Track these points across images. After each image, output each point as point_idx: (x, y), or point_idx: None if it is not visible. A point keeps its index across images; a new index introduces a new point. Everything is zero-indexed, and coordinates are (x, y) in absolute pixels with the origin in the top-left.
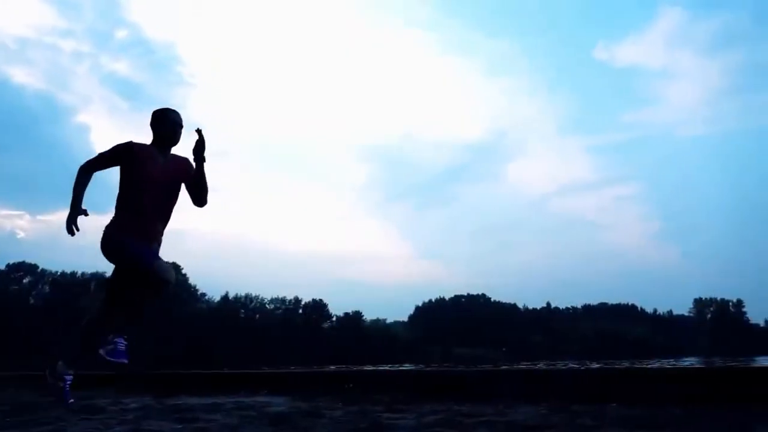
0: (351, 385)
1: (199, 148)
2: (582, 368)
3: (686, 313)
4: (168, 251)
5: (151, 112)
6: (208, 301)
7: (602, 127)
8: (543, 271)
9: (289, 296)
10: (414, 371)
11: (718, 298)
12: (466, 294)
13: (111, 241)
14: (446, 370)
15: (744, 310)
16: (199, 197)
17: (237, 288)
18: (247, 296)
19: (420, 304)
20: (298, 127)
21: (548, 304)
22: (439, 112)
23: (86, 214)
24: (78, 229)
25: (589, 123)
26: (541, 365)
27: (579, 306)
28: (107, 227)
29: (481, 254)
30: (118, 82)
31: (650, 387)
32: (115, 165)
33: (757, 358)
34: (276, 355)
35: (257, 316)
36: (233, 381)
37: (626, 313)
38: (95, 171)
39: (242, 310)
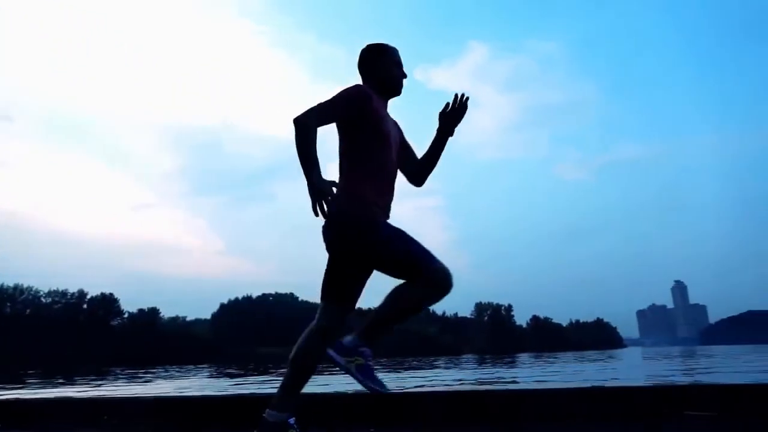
0: (107, 417)
1: (459, 118)
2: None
3: (469, 315)
4: None
5: (365, 47)
6: None
7: (418, 141)
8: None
9: (72, 289)
10: (197, 398)
11: (494, 303)
12: (274, 293)
13: (363, 222)
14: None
15: (512, 313)
16: (424, 175)
17: (2, 277)
18: (16, 287)
19: (225, 302)
20: (101, 104)
21: None
22: (263, 105)
23: (336, 185)
24: (327, 209)
25: (407, 136)
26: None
27: None
28: (345, 201)
29: (293, 253)
30: None
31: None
32: (346, 116)
33: (520, 355)
34: (52, 356)
35: (28, 311)
36: None
37: (426, 314)
38: (323, 125)
39: (8, 304)
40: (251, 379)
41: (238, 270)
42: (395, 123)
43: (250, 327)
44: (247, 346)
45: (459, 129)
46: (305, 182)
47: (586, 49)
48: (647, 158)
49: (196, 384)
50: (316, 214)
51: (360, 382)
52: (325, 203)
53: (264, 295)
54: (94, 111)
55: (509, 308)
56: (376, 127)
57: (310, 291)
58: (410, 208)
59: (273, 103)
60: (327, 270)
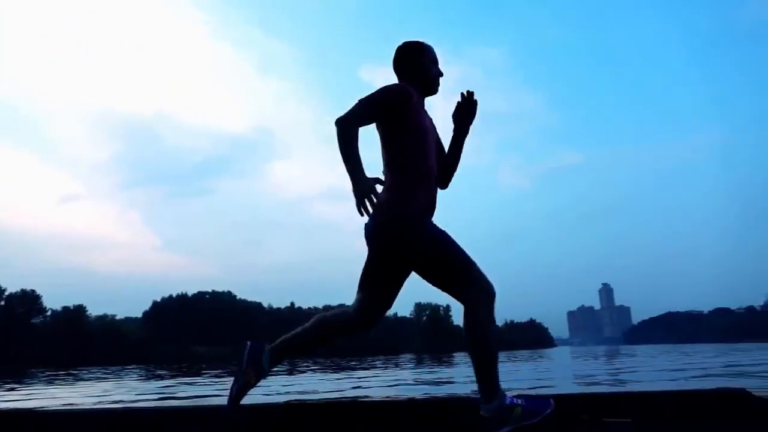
0: None
1: (471, 115)
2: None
3: (408, 315)
4: None
5: (403, 44)
6: None
7: (360, 141)
8: (291, 271)
9: None
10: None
11: (433, 303)
12: (211, 291)
13: (409, 220)
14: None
15: (450, 313)
16: (448, 177)
17: None
18: None
19: (158, 300)
20: (25, 89)
21: (292, 303)
22: (205, 98)
23: (381, 183)
24: (372, 208)
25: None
26: None
27: (320, 306)
28: (390, 199)
29: (232, 251)
30: None
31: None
32: (388, 115)
33: (456, 354)
34: None
35: None
36: None
37: None
38: (365, 124)
39: None
40: (182, 380)
41: (173, 267)
42: (432, 121)
43: (184, 326)
44: (181, 345)
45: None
46: (349, 184)
47: (529, 57)
48: (584, 166)
49: (121, 389)
50: (362, 214)
51: None
52: (369, 203)
53: (200, 293)
54: (17, 96)
55: (447, 308)
56: (418, 126)
57: (250, 289)
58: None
59: (216, 96)
60: (366, 267)
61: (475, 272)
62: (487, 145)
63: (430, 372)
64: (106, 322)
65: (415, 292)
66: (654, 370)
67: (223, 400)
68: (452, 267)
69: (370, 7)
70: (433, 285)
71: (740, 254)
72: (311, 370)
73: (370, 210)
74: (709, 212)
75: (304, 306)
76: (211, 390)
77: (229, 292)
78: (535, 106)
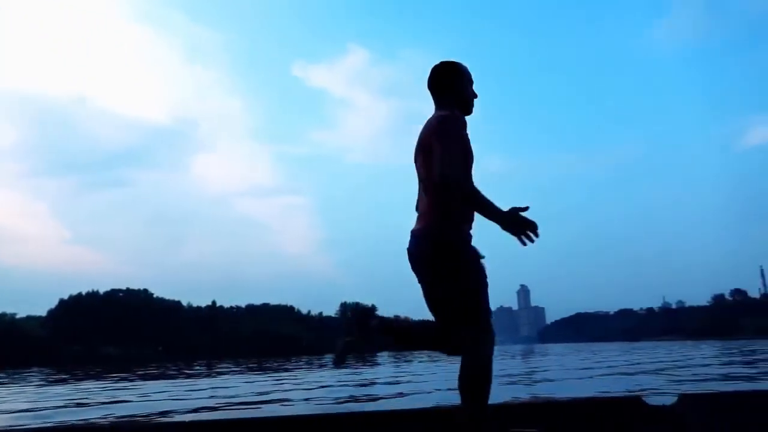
0: None
1: (513, 230)
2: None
3: (333, 315)
4: None
5: (441, 64)
6: None
7: (289, 138)
8: (212, 268)
9: None
10: None
11: (359, 302)
12: (125, 288)
13: (466, 248)
14: None
15: (377, 313)
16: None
17: None
18: None
19: (66, 298)
20: None
21: (214, 302)
22: (124, 83)
23: (521, 209)
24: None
25: (278, 133)
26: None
27: (243, 305)
28: (446, 226)
29: (150, 247)
30: None
31: None
32: None
33: (379, 354)
34: None
35: None
36: None
37: (285, 313)
38: (470, 174)
39: None
40: (86, 385)
41: (84, 263)
42: None
43: (95, 326)
44: (89, 346)
45: (331, 131)
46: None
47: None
48: (509, 172)
49: (18, 396)
50: (525, 244)
51: None
52: (529, 229)
53: (113, 290)
54: None
55: (373, 308)
56: (468, 151)
57: (168, 288)
58: (276, 205)
59: (136, 83)
60: (426, 294)
61: (487, 321)
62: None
63: (355, 373)
64: (4, 321)
65: (341, 292)
66: (564, 368)
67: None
68: (469, 302)
69: (307, 2)
70: (435, 306)
71: (641, 260)
72: (233, 371)
73: (533, 238)
74: (617, 218)
75: (226, 305)
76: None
77: (146, 290)
78: None
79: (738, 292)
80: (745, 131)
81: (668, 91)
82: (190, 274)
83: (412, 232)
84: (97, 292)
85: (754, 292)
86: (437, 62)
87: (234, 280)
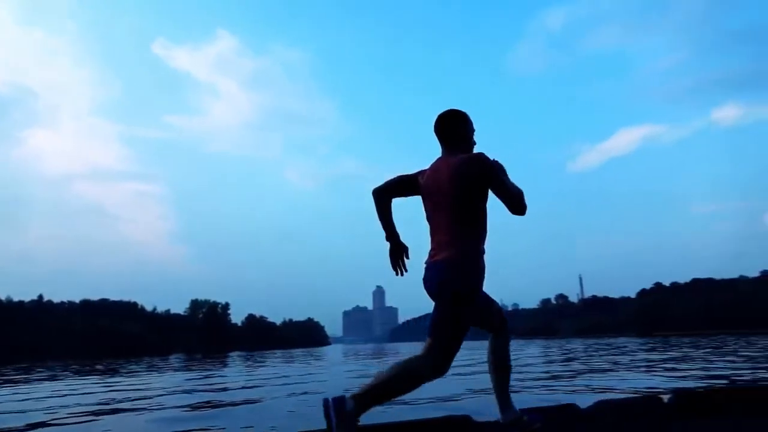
0: None
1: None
2: None
3: (182, 312)
4: None
5: (450, 112)
6: None
7: (143, 120)
8: (41, 258)
9: None
10: None
11: (212, 300)
12: None
13: (478, 277)
14: None
15: (229, 311)
16: None
17: None
18: None
19: None
20: None
21: (41, 296)
22: None
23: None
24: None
25: (131, 113)
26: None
27: (77, 300)
28: (472, 255)
29: None
30: None
31: None
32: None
33: (231, 354)
34: None
35: None
36: None
37: (127, 310)
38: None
39: None
40: None
41: None
42: None
43: None
44: None
45: (192, 116)
46: None
47: (331, 67)
48: (365, 175)
49: None
50: (397, 274)
51: None
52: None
53: None
54: None
55: (226, 306)
56: (486, 194)
57: (10, 287)
58: (123, 192)
59: None
60: (436, 319)
61: (446, 360)
62: (275, 141)
63: (206, 374)
64: None
65: (192, 289)
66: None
67: None
68: (446, 343)
69: None
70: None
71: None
72: (72, 374)
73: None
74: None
75: (56, 300)
76: None
77: None
78: (328, 111)
79: (561, 297)
80: (576, 156)
81: (511, 115)
82: (14, 264)
83: (435, 261)
84: None
85: (573, 298)
86: (447, 110)
87: (67, 272)
